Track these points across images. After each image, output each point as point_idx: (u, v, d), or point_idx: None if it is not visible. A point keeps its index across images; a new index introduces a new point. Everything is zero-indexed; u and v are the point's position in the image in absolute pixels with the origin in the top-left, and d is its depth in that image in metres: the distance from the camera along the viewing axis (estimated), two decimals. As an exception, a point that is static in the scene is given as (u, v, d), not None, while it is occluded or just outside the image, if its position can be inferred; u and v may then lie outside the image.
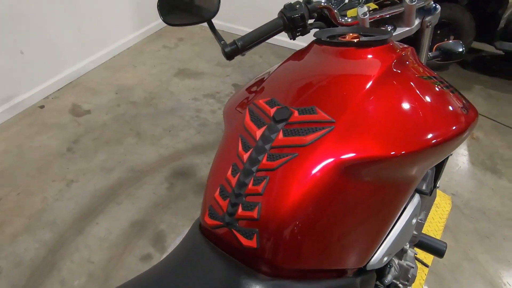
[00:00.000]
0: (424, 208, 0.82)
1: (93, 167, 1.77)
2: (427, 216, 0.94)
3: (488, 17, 2.63)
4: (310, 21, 0.81)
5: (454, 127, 0.49)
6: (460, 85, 2.83)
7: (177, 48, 3.03)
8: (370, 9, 0.74)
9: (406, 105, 0.49)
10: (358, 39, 0.59)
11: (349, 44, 0.57)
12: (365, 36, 0.61)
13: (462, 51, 0.89)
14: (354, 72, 0.52)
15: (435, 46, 0.96)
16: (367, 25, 0.73)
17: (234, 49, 0.69)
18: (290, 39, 0.73)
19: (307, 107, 0.47)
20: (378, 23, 0.76)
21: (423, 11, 0.74)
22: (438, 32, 2.74)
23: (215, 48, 3.09)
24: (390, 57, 0.53)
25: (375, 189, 0.47)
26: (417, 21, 0.74)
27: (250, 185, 0.44)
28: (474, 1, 2.61)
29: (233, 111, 0.60)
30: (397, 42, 0.62)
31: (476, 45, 3.02)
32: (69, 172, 1.74)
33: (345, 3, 0.85)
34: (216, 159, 0.52)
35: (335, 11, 0.73)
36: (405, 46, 0.62)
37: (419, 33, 0.80)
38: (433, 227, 1.63)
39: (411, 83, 0.52)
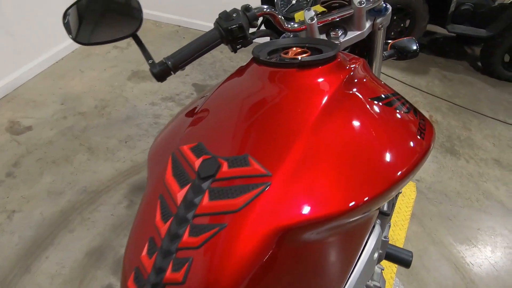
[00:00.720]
0: (388, 222, 0.79)
1: (39, 192, 1.57)
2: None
3: (440, 1, 2.70)
4: (258, 28, 0.72)
5: (413, 158, 0.43)
6: (418, 68, 2.91)
7: (129, 48, 2.80)
8: (318, 12, 0.67)
9: (358, 143, 0.41)
10: (302, 55, 0.51)
11: (290, 65, 0.48)
12: (311, 48, 0.54)
13: (417, 49, 0.85)
14: (296, 104, 0.44)
15: (390, 44, 0.92)
16: (315, 31, 0.66)
17: (164, 69, 0.59)
18: (232, 51, 0.64)
19: (239, 156, 0.39)
20: (328, 27, 0.69)
21: (374, 12, 0.68)
22: (395, 18, 2.79)
23: (172, 46, 2.90)
24: (337, 78, 0.46)
25: (328, 245, 0.40)
26: (368, 24, 0.68)
27: (168, 272, 0.35)
28: (426, -13, 2.67)
29: (157, 157, 0.49)
30: (345, 55, 0.55)
31: (431, 28, 3.11)
32: (9, 202, 1.53)
33: (293, 4, 0.77)
34: (133, 227, 0.42)
35: (280, 16, 0.65)
36: (355, 58, 0.55)
37: (371, 35, 0.74)
38: (401, 217, 1.65)
39: (363, 111, 0.45)
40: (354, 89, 0.47)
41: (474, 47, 3.31)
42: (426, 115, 2.41)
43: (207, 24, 3.03)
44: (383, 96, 0.49)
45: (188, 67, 2.74)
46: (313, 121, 0.40)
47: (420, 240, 1.59)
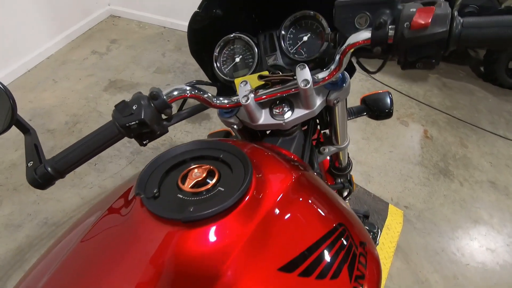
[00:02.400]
0: None
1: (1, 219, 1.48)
2: None
3: (441, 3, 2.51)
4: (181, 108, 0.58)
5: None
6: (417, 75, 2.74)
7: (109, 54, 2.65)
8: (255, 87, 0.53)
9: None
10: (205, 182, 0.39)
11: (174, 219, 0.35)
12: (222, 162, 0.41)
13: (390, 110, 0.71)
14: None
15: (361, 98, 0.78)
16: (253, 112, 0.52)
17: (45, 176, 0.47)
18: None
19: None
20: (271, 101, 0.55)
21: (328, 85, 0.54)
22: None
23: (154, 50, 2.74)
24: (241, 233, 0.33)
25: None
26: (319, 100, 0.54)
27: None
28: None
29: None
30: (263, 185, 0.41)
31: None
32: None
33: (236, 63, 0.63)
34: None
35: (205, 96, 0.51)
36: (287, 171, 0.41)
37: (328, 108, 0.60)
38: (384, 254, 1.54)
39: None
40: (263, 249, 0.34)
41: (479, 50, 3.11)
42: (421, 129, 2.27)
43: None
44: (301, 255, 0.35)
45: (169, 74, 2.59)
46: None
47: (405, 278, 1.48)
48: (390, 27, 0.41)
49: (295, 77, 0.50)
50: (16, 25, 2.22)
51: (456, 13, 0.39)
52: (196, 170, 0.40)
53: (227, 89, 0.66)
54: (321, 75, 0.49)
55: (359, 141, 2.09)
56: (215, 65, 0.63)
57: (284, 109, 0.54)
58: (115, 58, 2.61)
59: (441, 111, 2.44)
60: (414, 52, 0.41)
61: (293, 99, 0.55)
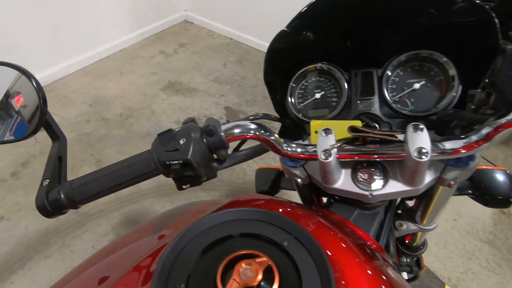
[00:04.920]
0: None
1: (32, 202, 1.49)
2: None
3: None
4: (238, 148, 0.48)
5: None
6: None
7: (175, 56, 2.73)
8: (342, 142, 0.39)
9: None
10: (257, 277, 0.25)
11: None
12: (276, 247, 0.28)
13: (510, 195, 0.53)
14: None
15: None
16: (332, 170, 0.38)
17: (55, 203, 0.38)
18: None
19: None
20: (357, 162, 0.41)
21: (446, 160, 0.38)
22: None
23: (217, 59, 2.76)
24: None
25: None
26: (430, 178, 0.38)
27: None
28: None
29: None
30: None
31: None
32: (2, 205, 1.48)
33: (316, 99, 0.50)
34: None
35: (272, 138, 0.39)
36: None
37: (431, 189, 0.44)
38: None
39: None
40: None
41: None
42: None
43: (260, 42, 2.84)
44: None
45: (227, 85, 2.57)
46: None
47: None
48: None
49: (399, 139, 0.36)
50: (100, 16, 2.39)
51: None
52: (246, 266, 0.27)
53: (294, 127, 0.53)
54: (448, 144, 0.34)
55: (418, 199, 1.82)
56: (289, 98, 0.51)
57: (374, 176, 0.39)
58: (179, 61, 2.67)
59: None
60: None
61: (388, 165, 0.40)
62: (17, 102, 0.50)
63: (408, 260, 0.73)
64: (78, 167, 1.69)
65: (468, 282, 1.51)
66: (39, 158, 1.71)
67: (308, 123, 0.48)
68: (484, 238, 1.69)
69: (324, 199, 0.60)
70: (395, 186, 0.38)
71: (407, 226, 0.57)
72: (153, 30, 2.93)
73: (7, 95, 0.50)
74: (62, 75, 2.26)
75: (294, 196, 0.61)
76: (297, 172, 0.44)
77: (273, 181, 0.69)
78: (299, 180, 0.45)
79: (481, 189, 0.54)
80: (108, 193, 0.40)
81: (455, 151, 0.33)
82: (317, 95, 0.50)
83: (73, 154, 1.75)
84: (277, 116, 0.53)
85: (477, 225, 1.75)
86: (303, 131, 0.52)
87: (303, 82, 0.51)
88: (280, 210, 0.40)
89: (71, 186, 0.39)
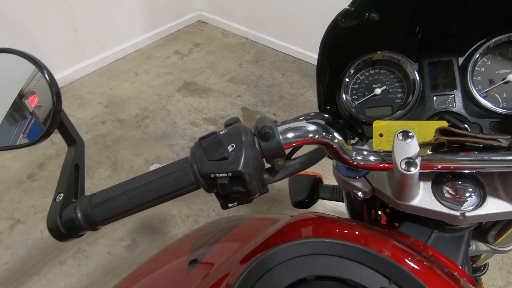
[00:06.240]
0: None
1: (49, 205, 1.47)
2: None
3: None
4: (291, 156, 0.41)
5: None
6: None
7: (190, 56, 2.68)
8: (429, 146, 0.31)
9: None
10: None
11: None
12: None
13: None
14: None
15: None
16: (412, 184, 0.31)
17: (71, 223, 0.31)
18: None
19: None
20: (442, 174, 0.33)
21: None
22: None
23: (232, 59, 2.70)
24: None
25: None
26: None
27: None
28: None
29: None
30: None
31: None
32: (19, 208, 1.45)
33: (375, 95, 0.42)
34: None
35: (337, 142, 0.31)
36: None
37: None
38: None
39: None
40: None
41: None
42: None
43: (276, 41, 2.76)
44: None
45: (243, 85, 2.51)
46: None
47: None
48: None
49: (505, 144, 0.28)
50: (116, 17, 2.37)
51: None
52: None
53: (348, 130, 0.46)
54: None
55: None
56: (343, 95, 0.43)
57: (466, 192, 0.31)
58: (194, 61, 2.63)
59: None
60: None
61: (482, 177, 0.32)
62: (31, 102, 0.44)
63: None
64: (93, 169, 1.65)
65: (507, 297, 1.38)
66: (55, 160, 1.69)
67: (367, 123, 0.40)
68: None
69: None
70: (497, 206, 0.30)
71: (476, 246, 0.48)
72: (168, 30, 2.89)
73: (21, 95, 0.44)
74: (78, 76, 2.24)
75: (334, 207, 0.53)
76: (357, 184, 0.37)
77: (310, 190, 0.61)
78: (359, 193, 0.37)
79: None
80: (135, 211, 0.33)
81: None
82: (377, 91, 0.42)
83: (89, 156, 1.72)
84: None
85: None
86: (356, 134, 0.45)
87: (359, 75, 0.44)
88: (363, 240, 0.32)
89: (91, 203, 0.33)
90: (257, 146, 0.29)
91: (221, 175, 0.29)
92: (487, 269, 0.62)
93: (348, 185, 0.38)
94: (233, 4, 2.97)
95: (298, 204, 0.62)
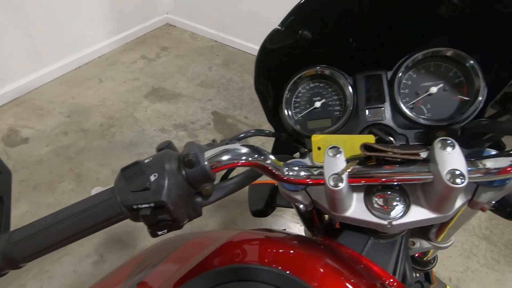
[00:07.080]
0: None
1: (6, 225, 1.38)
2: None
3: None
4: (226, 177, 0.41)
5: None
6: None
7: (158, 60, 2.63)
8: (353, 162, 0.32)
9: None
10: None
11: None
12: None
13: None
14: None
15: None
16: (343, 198, 0.32)
17: None
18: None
19: None
20: (373, 186, 0.34)
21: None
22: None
23: (202, 62, 2.68)
24: None
25: None
26: (461, 201, 0.32)
27: None
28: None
29: None
30: None
31: None
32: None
33: (316, 109, 0.43)
34: None
35: (269, 163, 0.32)
36: None
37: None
38: None
39: None
40: None
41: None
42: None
43: (245, 44, 2.76)
44: None
45: (213, 89, 2.49)
46: None
47: None
48: None
49: (423, 157, 0.29)
50: (78, 20, 2.27)
51: None
52: None
53: (291, 142, 0.46)
54: (489, 163, 0.27)
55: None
56: (284, 110, 0.44)
57: (393, 202, 0.33)
58: (162, 66, 2.57)
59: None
60: None
61: (408, 188, 0.33)
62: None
63: (417, 275, 0.67)
64: (56, 183, 1.57)
65: (468, 281, 1.48)
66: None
67: (308, 137, 0.41)
68: (480, 234, 1.67)
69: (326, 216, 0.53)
70: (419, 213, 0.32)
71: (420, 244, 0.51)
72: (134, 34, 2.81)
73: None
74: (37, 84, 2.12)
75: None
76: (298, 197, 0.38)
77: (268, 198, 0.62)
78: (301, 206, 0.38)
79: (501, 201, 0.49)
80: (59, 246, 0.32)
81: (501, 170, 0.26)
82: (317, 104, 0.43)
83: (51, 170, 1.63)
84: (271, 130, 0.47)
85: (473, 222, 1.73)
86: (302, 146, 0.46)
87: (300, 89, 0.45)
88: (286, 260, 0.32)
89: (10, 241, 0.31)
90: (183, 173, 0.29)
91: (143, 206, 0.28)
92: (436, 262, 0.66)
93: (291, 198, 0.39)
94: (202, 7, 2.94)
95: (256, 213, 0.62)
